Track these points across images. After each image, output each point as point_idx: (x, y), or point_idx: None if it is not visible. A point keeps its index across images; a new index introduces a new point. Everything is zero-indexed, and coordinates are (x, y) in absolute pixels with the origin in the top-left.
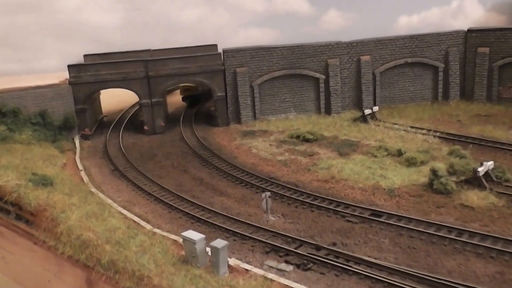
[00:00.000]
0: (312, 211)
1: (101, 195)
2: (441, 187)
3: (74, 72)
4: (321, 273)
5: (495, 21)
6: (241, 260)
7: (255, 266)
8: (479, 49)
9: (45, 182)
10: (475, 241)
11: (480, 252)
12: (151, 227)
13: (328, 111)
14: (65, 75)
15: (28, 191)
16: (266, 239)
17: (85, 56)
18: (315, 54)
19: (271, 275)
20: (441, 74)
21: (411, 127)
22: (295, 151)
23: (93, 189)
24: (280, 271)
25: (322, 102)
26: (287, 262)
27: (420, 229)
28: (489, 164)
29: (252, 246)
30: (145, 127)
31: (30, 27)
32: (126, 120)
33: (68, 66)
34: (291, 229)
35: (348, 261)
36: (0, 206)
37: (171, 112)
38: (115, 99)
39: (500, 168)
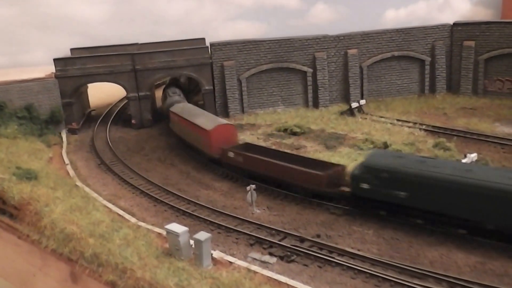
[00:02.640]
0: (297, 203)
1: (86, 188)
2: None
3: (61, 66)
4: (305, 265)
5: (482, 15)
6: (225, 252)
7: (239, 259)
8: (465, 42)
9: (29, 176)
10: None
11: (462, 243)
12: (136, 220)
13: (315, 105)
14: (52, 68)
15: (11, 185)
16: (250, 232)
17: (72, 49)
18: (303, 48)
19: (254, 267)
20: (427, 67)
21: (398, 120)
22: (282, 144)
23: (79, 183)
24: (264, 263)
25: (310, 95)
26: (271, 254)
27: (403, 220)
28: (473, 156)
29: (236, 238)
30: (133, 121)
31: (15, 20)
32: (114, 114)
33: (54, 59)
34: (276, 221)
35: (331, 252)
36: None
37: (159, 106)
38: (104, 93)
39: (483, 160)
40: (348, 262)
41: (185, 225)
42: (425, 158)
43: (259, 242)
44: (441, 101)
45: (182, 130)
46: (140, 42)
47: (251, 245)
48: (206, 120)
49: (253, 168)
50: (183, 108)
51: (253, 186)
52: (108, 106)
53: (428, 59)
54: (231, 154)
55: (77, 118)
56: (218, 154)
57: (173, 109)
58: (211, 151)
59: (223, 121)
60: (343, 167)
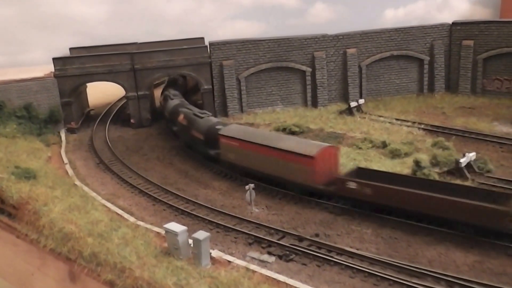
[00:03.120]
0: (295, 203)
1: (85, 188)
2: None
3: (59, 65)
4: (303, 264)
5: (480, 14)
6: (223, 251)
7: (237, 258)
8: (463, 42)
9: (28, 175)
10: (455, 230)
11: (460, 242)
12: (135, 219)
13: (314, 104)
14: (51, 68)
15: (10, 184)
16: (249, 231)
17: (71, 49)
18: (302, 47)
19: (253, 266)
20: (426, 66)
21: (396, 119)
22: None
23: (78, 182)
24: (262, 262)
25: (309, 94)
26: (269, 253)
27: (402, 219)
28: (471, 155)
29: (235, 237)
30: (132, 120)
31: (15, 19)
32: (113, 113)
33: (53, 59)
34: (275, 220)
35: (330, 251)
36: None
37: (158, 105)
38: (103, 92)
39: (482, 159)
40: (347, 261)
41: (183, 224)
42: None
43: (258, 241)
44: (439, 101)
45: (251, 158)
46: (139, 41)
47: (250, 244)
48: (297, 143)
49: (392, 202)
50: (242, 131)
51: (252, 185)
52: (107, 105)
53: (427, 58)
54: (352, 185)
55: (76, 118)
56: (324, 184)
57: (226, 132)
58: (316, 182)
59: (322, 143)
60: None
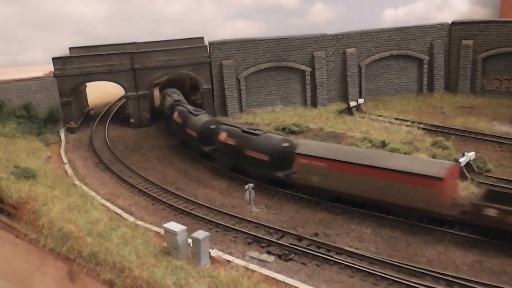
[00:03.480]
0: (295, 202)
1: (84, 187)
2: None
3: (59, 65)
4: (303, 263)
5: (480, 14)
6: (223, 251)
7: (237, 257)
8: (463, 41)
9: (27, 175)
10: (454, 230)
11: (459, 241)
12: (134, 219)
13: (314, 104)
14: (50, 68)
15: (10, 184)
16: (248, 230)
17: (70, 48)
18: (301, 47)
19: (252, 266)
20: (425, 66)
21: (396, 118)
22: None
23: (77, 182)
24: (262, 262)
25: (308, 94)
26: (269, 252)
27: (401, 219)
28: (471, 155)
29: (234, 237)
30: (131, 120)
31: (14, 19)
32: (113, 113)
33: (53, 58)
34: (274, 220)
35: (329, 251)
36: None
37: (158, 105)
38: (102, 92)
39: (481, 158)
40: (346, 260)
41: (183, 224)
42: None
43: (257, 240)
44: (439, 100)
45: (345, 181)
46: (139, 41)
47: (249, 243)
48: (412, 162)
49: None
50: (328, 148)
51: (251, 184)
52: (107, 105)
53: (426, 58)
54: (491, 212)
55: (76, 117)
56: (450, 209)
57: (305, 150)
58: (443, 207)
59: (443, 161)
60: None
